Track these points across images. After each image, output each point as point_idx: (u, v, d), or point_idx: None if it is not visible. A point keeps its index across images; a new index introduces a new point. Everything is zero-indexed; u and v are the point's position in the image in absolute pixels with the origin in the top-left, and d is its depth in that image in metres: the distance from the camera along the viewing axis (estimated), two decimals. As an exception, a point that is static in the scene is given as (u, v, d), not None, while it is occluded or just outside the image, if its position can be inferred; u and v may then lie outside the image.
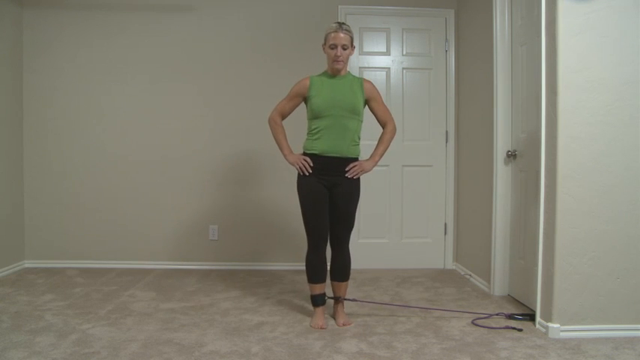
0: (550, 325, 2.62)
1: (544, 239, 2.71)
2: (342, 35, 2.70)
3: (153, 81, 4.07)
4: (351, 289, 3.51)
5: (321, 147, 2.75)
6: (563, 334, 2.60)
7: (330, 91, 2.76)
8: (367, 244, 4.16)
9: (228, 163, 4.10)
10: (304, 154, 2.81)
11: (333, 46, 2.71)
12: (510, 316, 2.90)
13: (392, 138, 2.90)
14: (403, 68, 4.15)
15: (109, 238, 4.08)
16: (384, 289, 3.54)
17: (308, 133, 2.84)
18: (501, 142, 3.35)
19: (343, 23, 2.76)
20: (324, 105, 2.73)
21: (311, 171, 2.75)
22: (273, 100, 3.93)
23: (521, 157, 3.21)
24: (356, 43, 4.09)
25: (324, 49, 2.79)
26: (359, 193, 2.85)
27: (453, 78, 4.15)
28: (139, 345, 2.46)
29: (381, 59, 4.15)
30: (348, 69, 2.86)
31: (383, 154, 2.88)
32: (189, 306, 3.09)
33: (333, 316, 2.88)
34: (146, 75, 4.06)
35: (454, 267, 4.18)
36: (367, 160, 2.83)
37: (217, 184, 4.11)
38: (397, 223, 4.18)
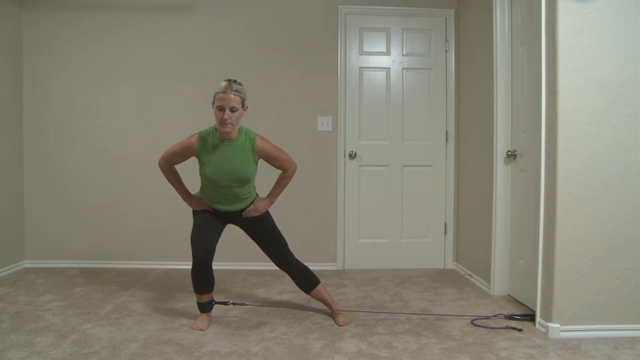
0: (550, 325, 2.62)
1: (544, 239, 2.71)
2: (231, 96, 2.54)
3: (153, 81, 4.06)
4: (351, 288, 3.51)
5: (214, 204, 2.78)
6: (563, 334, 2.60)
7: (220, 162, 2.65)
8: (367, 244, 4.16)
9: (228, 163, 4.09)
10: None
11: (221, 108, 2.55)
12: (510, 316, 2.90)
13: (289, 181, 2.87)
14: (403, 68, 4.15)
15: (109, 238, 4.08)
16: (384, 289, 3.54)
17: (201, 184, 2.81)
18: (501, 142, 3.35)
19: (235, 82, 2.60)
20: (214, 176, 2.67)
21: (212, 211, 2.80)
22: (274, 99, 3.94)
23: (521, 157, 3.21)
24: (356, 43, 4.14)
25: (212, 107, 2.62)
26: (268, 213, 2.87)
27: (453, 78, 4.14)
28: (139, 345, 2.46)
29: (381, 59, 4.15)
30: (239, 129, 2.70)
31: (279, 195, 2.89)
32: (189, 306, 3.08)
33: (333, 317, 2.88)
34: (146, 75, 4.06)
35: (454, 267, 4.18)
36: (263, 199, 2.85)
37: (217, 184, 4.10)
38: (397, 223, 4.18)
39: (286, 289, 3.50)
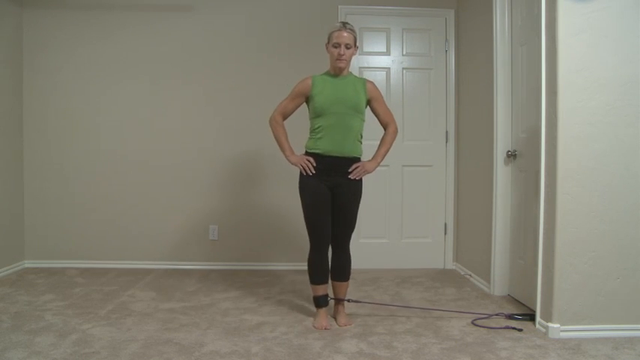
0: (550, 325, 2.62)
1: (544, 239, 2.71)
2: (345, 34, 2.70)
3: (153, 81, 4.06)
4: (351, 289, 3.51)
5: (324, 146, 2.74)
6: (563, 334, 2.60)
7: (333, 89, 2.74)
8: (367, 244, 4.16)
9: (229, 163, 4.10)
10: (306, 153, 2.81)
11: (337, 45, 2.71)
12: (510, 316, 2.90)
13: (394, 139, 2.91)
14: (403, 68, 4.15)
15: (109, 238, 4.08)
16: (384, 289, 3.54)
17: (310, 132, 2.82)
18: (501, 142, 3.35)
19: (347, 23, 2.76)
20: (327, 102, 2.71)
21: (314, 171, 2.74)
22: (274, 99, 3.93)
23: (521, 157, 3.21)
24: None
25: (327, 48, 2.78)
26: (361, 194, 2.86)
27: (453, 78, 4.14)
28: (139, 345, 2.46)
29: (381, 59, 4.15)
30: (350, 70, 2.86)
31: (385, 155, 2.88)
32: (189, 306, 3.09)
33: (334, 317, 2.88)
34: (146, 75, 4.06)
35: (454, 267, 4.18)
36: (369, 161, 2.83)
37: (217, 183, 4.11)
38: (397, 223, 4.18)
39: (286, 288, 3.50)
